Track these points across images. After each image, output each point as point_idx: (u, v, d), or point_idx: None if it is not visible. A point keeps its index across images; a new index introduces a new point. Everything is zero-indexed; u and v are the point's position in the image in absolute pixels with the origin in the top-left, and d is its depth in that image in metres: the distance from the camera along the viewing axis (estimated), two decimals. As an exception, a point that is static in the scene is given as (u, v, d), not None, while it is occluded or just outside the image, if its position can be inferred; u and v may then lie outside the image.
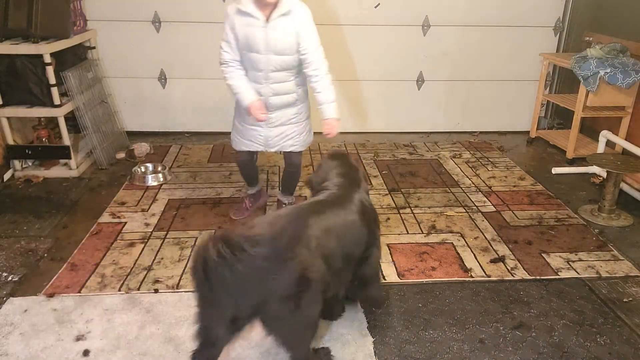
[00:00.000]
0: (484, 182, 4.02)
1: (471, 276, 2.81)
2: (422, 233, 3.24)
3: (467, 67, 5.01)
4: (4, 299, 2.55)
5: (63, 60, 3.91)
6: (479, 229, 3.31)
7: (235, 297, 1.72)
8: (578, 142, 4.38)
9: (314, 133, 3.24)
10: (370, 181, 3.96)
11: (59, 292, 2.61)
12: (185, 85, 4.83)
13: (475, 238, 3.19)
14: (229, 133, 3.22)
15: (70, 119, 4.04)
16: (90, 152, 4.17)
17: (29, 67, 3.63)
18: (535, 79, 4.95)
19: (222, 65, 2.88)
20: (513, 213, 3.51)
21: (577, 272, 2.85)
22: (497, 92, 5.13)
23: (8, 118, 3.80)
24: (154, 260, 2.90)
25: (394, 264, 2.90)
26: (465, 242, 3.15)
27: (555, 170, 4.21)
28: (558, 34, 4.99)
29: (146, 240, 3.10)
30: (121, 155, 4.36)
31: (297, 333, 1.93)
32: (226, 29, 2.83)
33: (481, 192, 3.84)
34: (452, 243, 3.13)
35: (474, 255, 3.01)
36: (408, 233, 3.24)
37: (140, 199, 3.63)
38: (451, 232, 3.26)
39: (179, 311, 2.48)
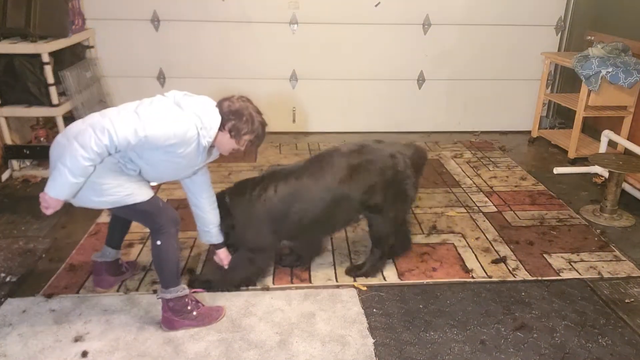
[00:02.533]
0: (485, 182, 4.00)
1: (472, 277, 2.79)
2: (423, 233, 3.22)
3: (468, 66, 4.99)
4: (2, 299, 2.53)
5: (61, 59, 3.89)
6: (480, 229, 3.29)
7: None
8: (580, 141, 4.36)
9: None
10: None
11: (58, 292, 2.59)
12: (184, 84, 4.72)
13: (477, 238, 3.17)
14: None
15: (69, 118, 4.01)
16: (90, 152, 4.15)
17: (27, 66, 3.62)
18: (537, 78, 4.93)
19: None
20: (514, 213, 3.49)
21: (578, 273, 2.83)
22: (499, 91, 5.11)
23: (6, 118, 3.79)
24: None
25: (395, 265, 2.88)
26: (467, 242, 3.13)
27: (557, 170, 4.19)
28: (560, 33, 4.97)
29: (145, 240, 3.08)
30: (120, 154, 4.34)
31: None
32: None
33: (482, 192, 3.82)
34: (453, 243, 3.11)
35: (475, 255, 2.99)
36: (409, 233, 3.22)
37: (140, 198, 3.60)
38: (452, 232, 3.25)
39: (178, 312, 2.47)
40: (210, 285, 2.63)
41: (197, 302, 2.43)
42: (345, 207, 2.58)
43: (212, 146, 2.27)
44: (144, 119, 2.05)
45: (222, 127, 2.21)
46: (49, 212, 2.10)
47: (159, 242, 2.28)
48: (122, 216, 2.47)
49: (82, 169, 2.03)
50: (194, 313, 2.37)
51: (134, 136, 2.03)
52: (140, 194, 2.22)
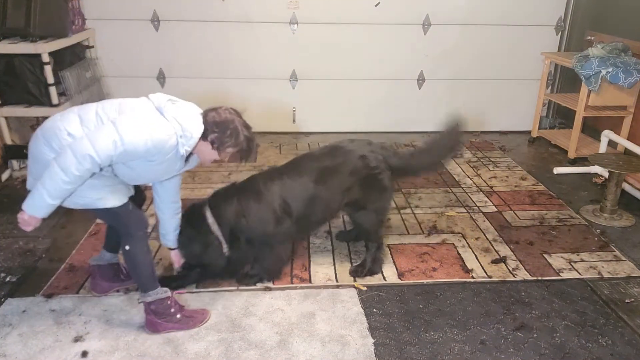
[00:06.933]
0: (485, 182, 4.00)
1: (472, 277, 2.79)
2: (423, 233, 3.23)
3: (468, 67, 4.99)
4: (2, 299, 2.54)
5: (61, 59, 3.89)
6: (480, 229, 3.29)
7: None
8: (580, 141, 4.36)
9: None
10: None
11: (58, 292, 2.59)
12: (184, 84, 4.80)
13: (477, 238, 3.17)
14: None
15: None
16: (89, 152, 4.15)
17: (27, 66, 3.62)
18: (537, 78, 4.93)
19: None
20: (514, 213, 3.49)
21: (578, 273, 2.83)
22: (499, 91, 5.11)
23: (6, 118, 3.78)
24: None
25: (395, 265, 2.88)
26: (467, 242, 3.13)
27: (557, 170, 4.19)
28: (560, 33, 4.97)
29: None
30: (120, 154, 4.34)
31: None
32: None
33: (482, 192, 3.82)
34: (453, 243, 3.12)
35: (475, 255, 2.99)
36: (409, 233, 3.22)
37: (140, 198, 3.60)
38: (452, 232, 3.25)
39: (177, 312, 2.46)
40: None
41: (181, 305, 2.42)
42: (321, 206, 2.65)
43: (190, 154, 2.22)
44: (122, 130, 2.00)
45: (204, 138, 2.16)
46: (28, 229, 2.10)
47: (127, 247, 2.26)
48: (94, 216, 2.41)
49: (61, 192, 2.01)
50: (178, 316, 2.35)
51: (114, 150, 1.99)
52: (112, 199, 2.18)
